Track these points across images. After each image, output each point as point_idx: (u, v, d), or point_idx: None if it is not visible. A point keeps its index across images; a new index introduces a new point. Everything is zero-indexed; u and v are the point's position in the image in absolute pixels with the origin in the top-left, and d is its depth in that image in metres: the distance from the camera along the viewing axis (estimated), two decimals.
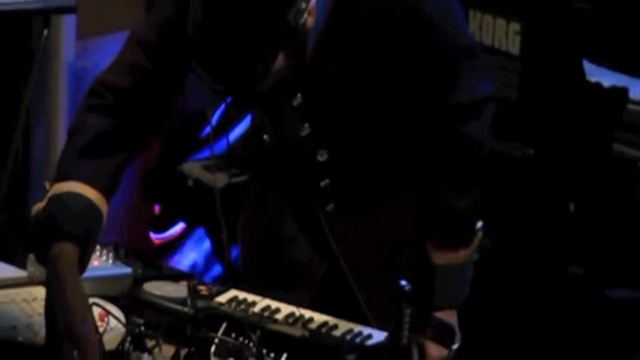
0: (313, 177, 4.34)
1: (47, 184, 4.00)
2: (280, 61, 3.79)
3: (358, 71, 4.15)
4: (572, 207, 5.52)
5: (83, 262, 3.90)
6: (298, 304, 4.09)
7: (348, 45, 4.10)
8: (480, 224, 4.32)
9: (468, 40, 4.26)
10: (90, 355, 3.67)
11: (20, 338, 3.84)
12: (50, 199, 3.93)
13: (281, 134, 4.34)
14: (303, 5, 3.75)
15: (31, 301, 4.03)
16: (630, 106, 5.49)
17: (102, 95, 4.09)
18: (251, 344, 3.78)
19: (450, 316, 4.26)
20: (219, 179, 5.78)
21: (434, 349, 4.14)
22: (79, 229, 3.90)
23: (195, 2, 3.85)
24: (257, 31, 3.72)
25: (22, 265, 4.16)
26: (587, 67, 5.61)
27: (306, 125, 4.26)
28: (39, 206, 3.96)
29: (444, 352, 4.18)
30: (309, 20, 3.82)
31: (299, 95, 4.21)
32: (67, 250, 3.87)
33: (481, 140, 4.24)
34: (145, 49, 4.10)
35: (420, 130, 4.26)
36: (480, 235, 4.32)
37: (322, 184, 4.33)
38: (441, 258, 4.26)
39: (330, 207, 4.34)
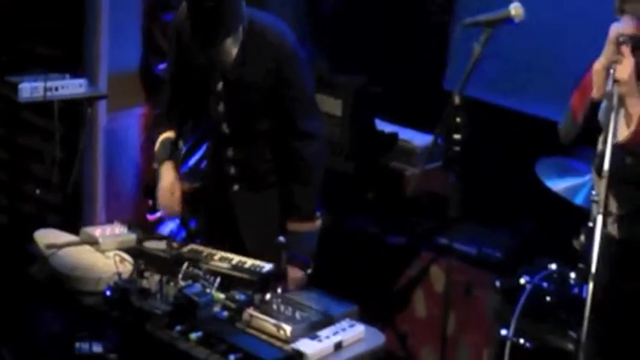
0: (224, 146, 4.26)
1: (155, 165, 4.37)
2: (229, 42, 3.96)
3: (255, 79, 4.07)
4: (370, 195, 5.51)
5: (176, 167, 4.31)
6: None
7: (252, 64, 4.06)
8: (318, 213, 4.23)
9: (311, 97, 4.21)
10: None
11: None
12: (158, 145, 4.31)
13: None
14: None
15: None
16: (399, 142, 5.49)
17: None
18: (201, 273, 3.80)
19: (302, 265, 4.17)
20: (184, 185, 5.74)
21: (292, 272, 4.06)
22: (170, 154, 4.30)
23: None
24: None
25: None
26: (377, 122, 5.61)
27: (221, 104, 4.18)
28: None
29: (299, 273, 4.10)
30: None
31: (220, 83, 4.15)
32: (168, 164, 4.29)
33: (312, 159, 4.18)
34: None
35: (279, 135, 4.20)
36: (319, 220, 4.23)
37: (228, 153, 4.27)
38: (290, 226, 4.18)
39: (232, 171, 4.28)
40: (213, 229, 4.48)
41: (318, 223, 4.24)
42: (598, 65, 3.49)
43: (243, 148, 4.26)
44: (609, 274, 3.68)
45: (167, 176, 4.32)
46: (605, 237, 3.39)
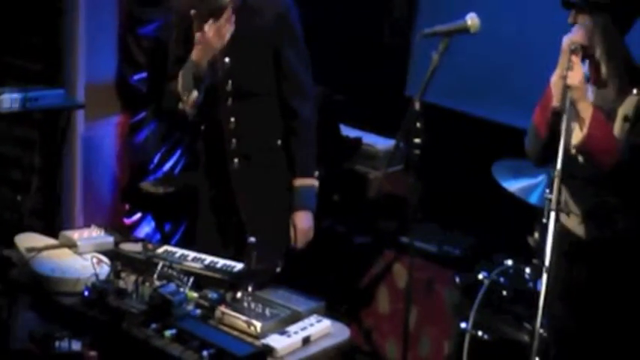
0: (225, 117, 4.18)
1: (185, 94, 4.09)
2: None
3: (258, 27, 4.05)
4: (336, 197, 5.49)
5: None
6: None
7: (254, 12, 4.06)
8: (316, 173, 4.25)
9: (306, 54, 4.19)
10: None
11: None
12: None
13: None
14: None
15: None
16: (363, 146, 5.48)
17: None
18: (175, 273, 3.77)
19: (306, 218, 4.20)
20: (159, 190, 5.72)
21: (300, 222, 4.19)
22: None
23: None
24: None
25: None
26: (342, 127, 5.61)
27: (227, 58, 4.12)
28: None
29: (307, 223, 4.21)
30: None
31: (227, 59, 4.11)
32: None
33: (309, 116, 4.18)
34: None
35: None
36: (316, 178, 4.25)
37: (230, 126, 4.19)
38: (295, 182, 4.17)
39: (233, 145, 4.19)
40: (211, 213, 4.35)
41: (317, 183, 4.25)
42: (555, 77, 3.53)
43: (245, 117, 4.17)
44: (580, 275, 3.71)
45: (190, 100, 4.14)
46: (559, 232, 3.40)
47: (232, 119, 4.17)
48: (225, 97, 4.16)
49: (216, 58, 4.10)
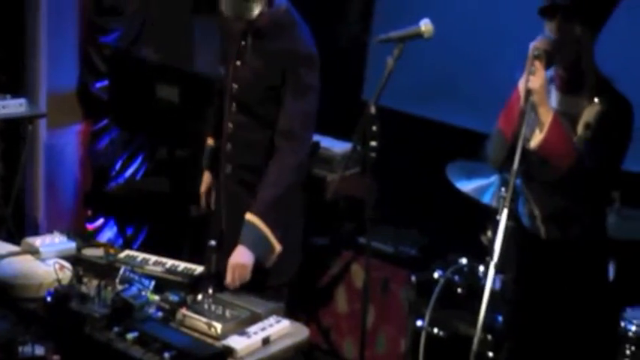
0: (227, 119, 4.11)
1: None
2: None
3: (272, 53, 3.99)
4: None
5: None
6: None
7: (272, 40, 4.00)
8: (279, 233, 3.97)
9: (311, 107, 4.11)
10: None
11: None
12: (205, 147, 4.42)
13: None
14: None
15: None
16: (320, 150, 5.44)
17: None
18: (136, 277, 3.73)
19: (242, 253, 3.85)
20: (121, 196, 5.70)
21: (237, 256, 3.84)
22: (209, 163, 4.35)
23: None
24: None
25: None
26: None
27: (239, 62, 4.06)
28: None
29: (244, 258, 3.87)
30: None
31: (243, 42, 4.03)
32: (206, 173, 4.37)
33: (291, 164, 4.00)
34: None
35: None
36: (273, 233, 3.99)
37: (228, 129, 4.13)
38: (247, 215, 3.91)
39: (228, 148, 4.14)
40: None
41: (266, 230, 3.92)
42: (522, 81, 3.56)
43: (242, 129, 4.06)
44: (538, 273, 3.73)
45: (204, 184, 4.42)
46: (511, 229, 3.40)
47: (230, 125, 4.08)
48: (230, 100, 4.08)
49: (232, 59, 4.07)
